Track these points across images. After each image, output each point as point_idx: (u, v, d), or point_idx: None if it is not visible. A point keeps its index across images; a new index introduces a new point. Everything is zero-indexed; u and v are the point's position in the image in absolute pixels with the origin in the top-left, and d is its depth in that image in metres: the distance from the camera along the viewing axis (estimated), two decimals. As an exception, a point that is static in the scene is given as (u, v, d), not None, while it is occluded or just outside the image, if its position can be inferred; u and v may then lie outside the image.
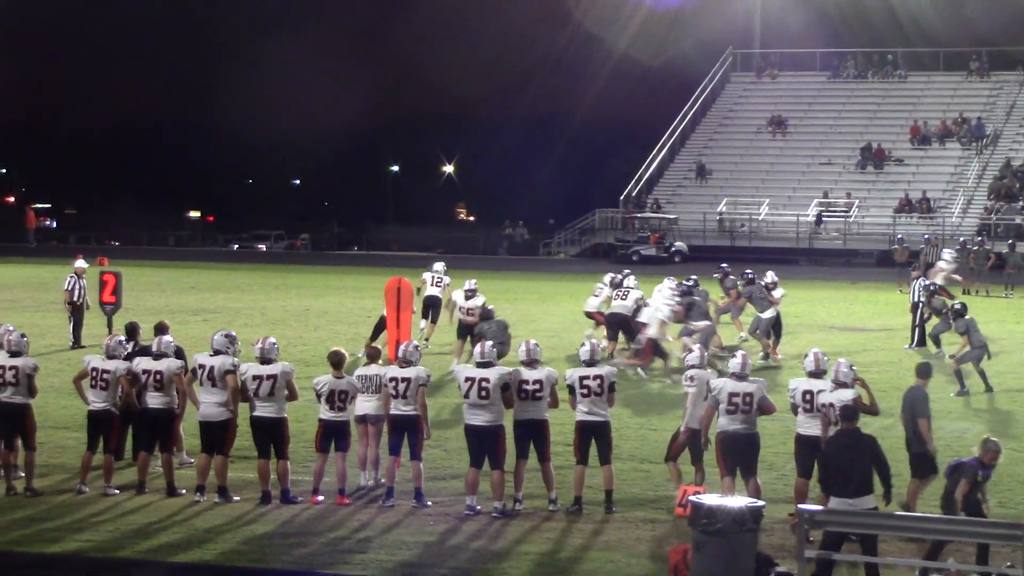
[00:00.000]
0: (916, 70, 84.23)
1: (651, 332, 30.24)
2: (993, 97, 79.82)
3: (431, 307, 34.41)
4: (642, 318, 30.75)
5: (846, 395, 17.80)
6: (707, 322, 32.05)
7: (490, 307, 30.26)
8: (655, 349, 30.20)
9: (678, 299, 31.78)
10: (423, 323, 34.00)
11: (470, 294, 31.65)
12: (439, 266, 35.25)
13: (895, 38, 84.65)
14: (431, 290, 34.36)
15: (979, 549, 15.82)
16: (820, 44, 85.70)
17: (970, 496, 16.20)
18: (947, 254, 42.04)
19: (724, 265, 37.89)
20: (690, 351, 20.30)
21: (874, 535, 15.63)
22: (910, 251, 57.03)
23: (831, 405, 17.76)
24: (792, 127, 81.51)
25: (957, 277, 40.94)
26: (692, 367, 19.25)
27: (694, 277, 34.62)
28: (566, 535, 17.76)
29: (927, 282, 35.62)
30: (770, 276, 34.42)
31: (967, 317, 28.86)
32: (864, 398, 18.07)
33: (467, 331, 30.67)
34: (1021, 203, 70.26)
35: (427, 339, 33.53)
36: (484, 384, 18.60)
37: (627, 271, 35.70)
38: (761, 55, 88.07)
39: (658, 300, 31.55)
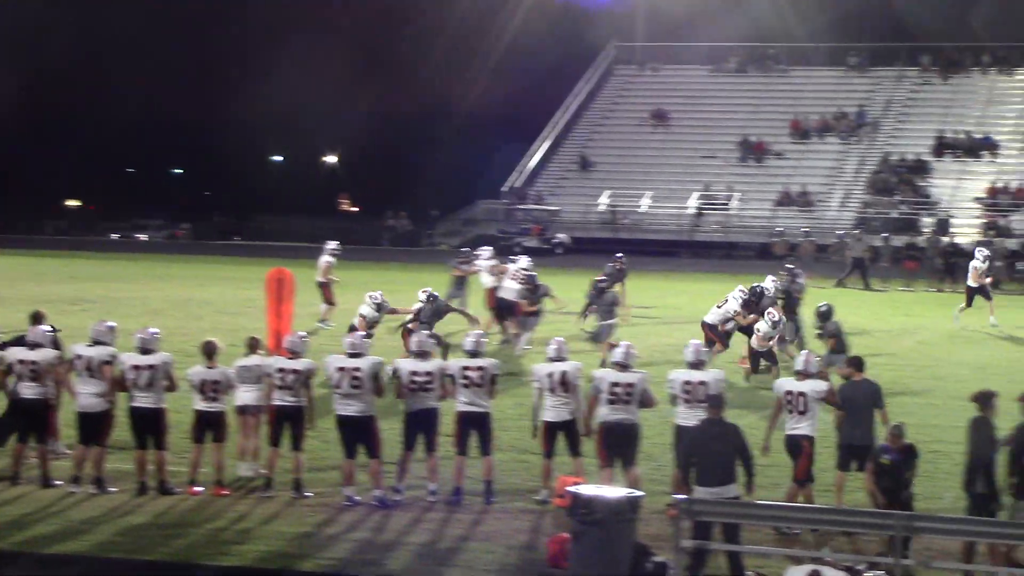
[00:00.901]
0: (797, 65, 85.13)
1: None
2: (872, 92, 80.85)
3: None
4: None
5: (820, 386, 18.18)
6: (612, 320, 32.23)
7: (435, 293, 30.30)
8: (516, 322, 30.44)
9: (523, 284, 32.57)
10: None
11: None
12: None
13: (776, 33, 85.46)
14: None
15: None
16: (702, 38, 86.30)
17: (882, 481, 16.49)
18: (979, 252, 40.59)
19: (620, 255, 38.21)
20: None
21: (736, 524, 15.81)
22: (789, 244, 57.78)
23: (801, 394, 18.03)
24: (674, 120, 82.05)
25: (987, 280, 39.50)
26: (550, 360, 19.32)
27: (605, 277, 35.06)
28: (446, 525, 17.79)
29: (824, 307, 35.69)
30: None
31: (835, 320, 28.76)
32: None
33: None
34: (898, 197, 71.25)
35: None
36: (356, 374, 18.60)
37: (520, 252, 36.05)
38: (644, 48, 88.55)
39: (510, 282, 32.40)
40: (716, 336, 29.20)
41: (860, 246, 53.35)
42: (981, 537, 15.66)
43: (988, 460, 16.15)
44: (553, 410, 18.97)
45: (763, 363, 28.17)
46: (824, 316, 28.14)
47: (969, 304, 38.82)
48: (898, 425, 16.91)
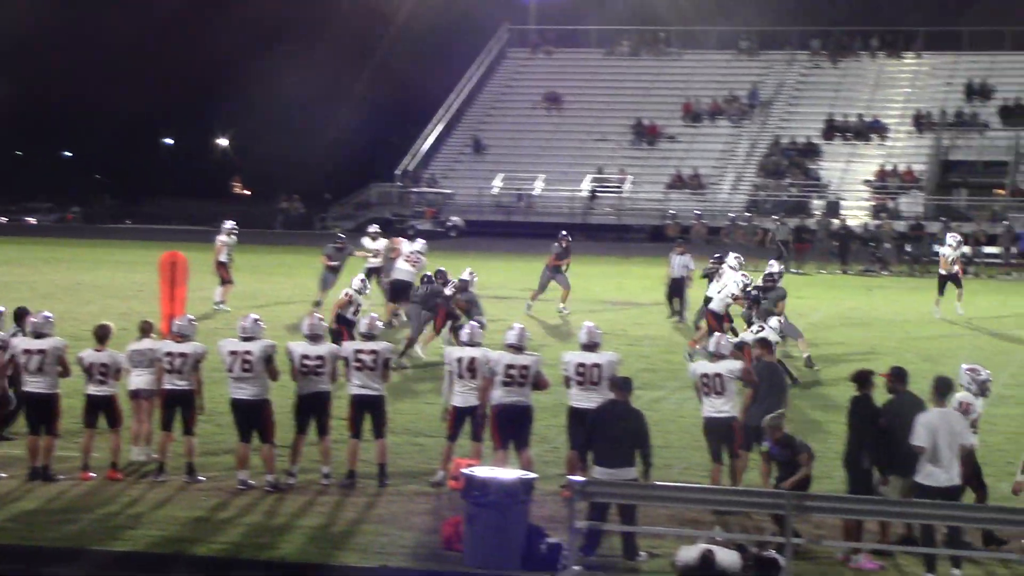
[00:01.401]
0: (689, 48, 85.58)
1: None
2: (762, 75, 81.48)
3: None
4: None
5: (735, 366, 18.33)
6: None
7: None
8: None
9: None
10: None
11: None
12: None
13: (669, 16, 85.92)
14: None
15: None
16: (595, 21, 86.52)
17: (772, 470, 16.78)
18: (951, 238, 39.70)
19: (565, 233, 38.38)
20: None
21: (632, 505, 15.93)
22: (681, 226, 58.13)
23: (718, 375, 18.15)
24: (567, 103, 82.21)
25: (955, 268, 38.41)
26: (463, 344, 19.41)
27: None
28: (339, 509, 17.76)
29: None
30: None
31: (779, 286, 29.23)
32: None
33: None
34: (788, 180, 71.91)
35: None
36: (247, 357, 18.53)
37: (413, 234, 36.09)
38: (537, 31, 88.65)
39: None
40: (719, 325, 28.61)
41: (784, 230, 54.05)
42: (869, 516, 15.89)
43: (870, 438, 16.37)
44: (461, 395, 19.00)
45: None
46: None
47: (940, 292, 38.27)
48: (776, 416, 17.09)
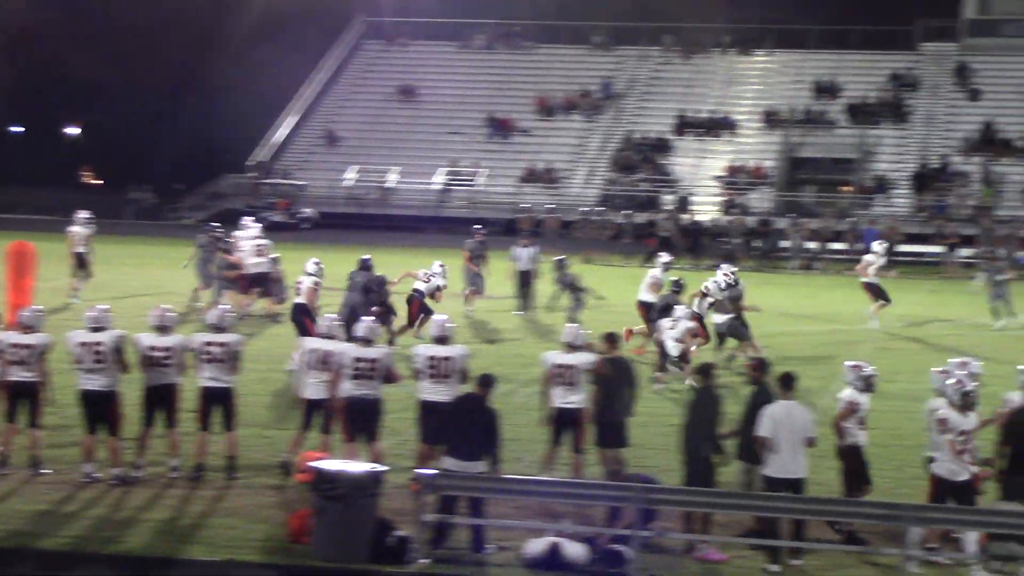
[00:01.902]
0: (543, 43, 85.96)
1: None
2: (615, 71, 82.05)
3: None
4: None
5: (588, 358, 18.43)
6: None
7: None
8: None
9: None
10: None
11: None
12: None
13: (523, 10, 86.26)
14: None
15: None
16: (450, 14, 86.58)
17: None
18: (877, 246, 38.89)
19: (480, 227, 38.16)
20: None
21: (481, 498, 16.02)
22: (534, 219, 58.40)
23: (571, 366, 18.30)
24: (422, 96, 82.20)
25: (870, 275, 37.12)
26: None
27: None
28: (188, 502, 17.65)
29: (560, 258, 36.22)
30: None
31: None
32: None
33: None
34: (640, 175, 72.52)
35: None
36: (98, 348, 18.33)
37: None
38: (392, 23, 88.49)
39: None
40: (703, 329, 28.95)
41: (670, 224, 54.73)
42: (715, 508, 16.12)
43: (709, 429, 16.65)
44: (313, 387, 18.97)
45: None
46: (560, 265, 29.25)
47: (876, 298, 37.31)
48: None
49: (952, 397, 16.20)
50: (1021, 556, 14.76)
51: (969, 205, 65.60)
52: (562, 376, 18.43)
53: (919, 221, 64.39)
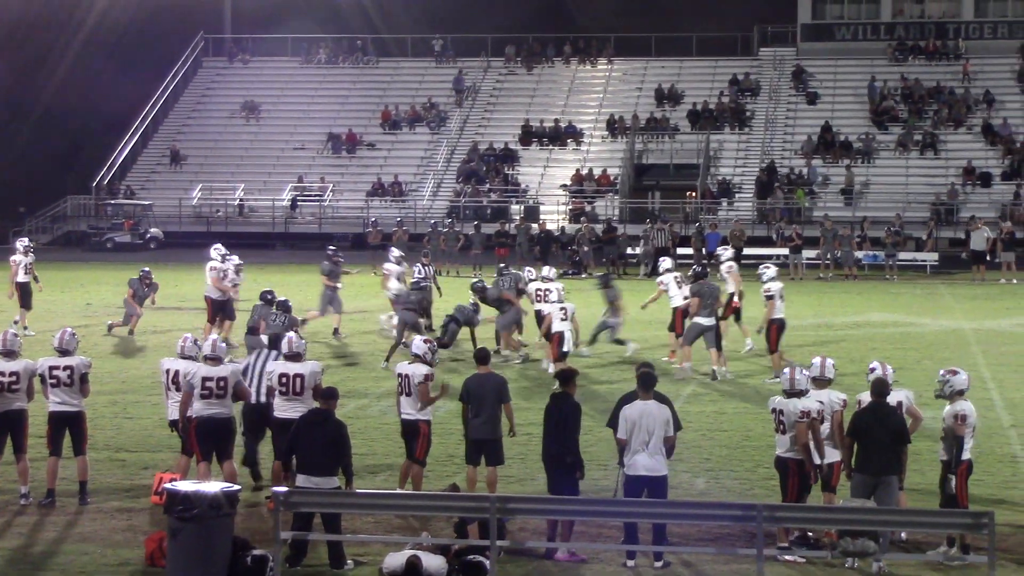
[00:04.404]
0: (385, 56, 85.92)
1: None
2: (459, 82, 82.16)
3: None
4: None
5: (422, 370, 18.41)
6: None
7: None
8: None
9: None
10: None
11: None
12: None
13: (364, 25, 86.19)
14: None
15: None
16: (291, 30, 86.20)
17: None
18: (393, 253, 37.31)
19: (333, 248, 37.30)
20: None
21: (337, 514, 15.94)
22: (383, 234, 58.25)
23: (407, 376, 18.37)
24: (265, 112, 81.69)
25: (392, 286, 35.38)
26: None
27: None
28: (39, 529, 17.38)
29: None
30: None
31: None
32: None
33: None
34: (488, 185, 72.73)
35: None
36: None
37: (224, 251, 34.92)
38: (233, 40, 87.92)
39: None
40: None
41: (662, 236, 54.74)
42: (569, 515, 16.20)
43: (571, 435, 16.77)
44: (172, 407, 18.88)
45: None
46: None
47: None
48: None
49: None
50: (872, 552, 15.00)
51: (790, 208, 66.84)
52: (401, 386, 18.47)
53: (763, 224, 65.31)
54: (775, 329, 28.83)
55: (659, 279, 31.78)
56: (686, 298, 29.75)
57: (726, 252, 36.53)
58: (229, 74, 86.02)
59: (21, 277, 35.20)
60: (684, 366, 29.00)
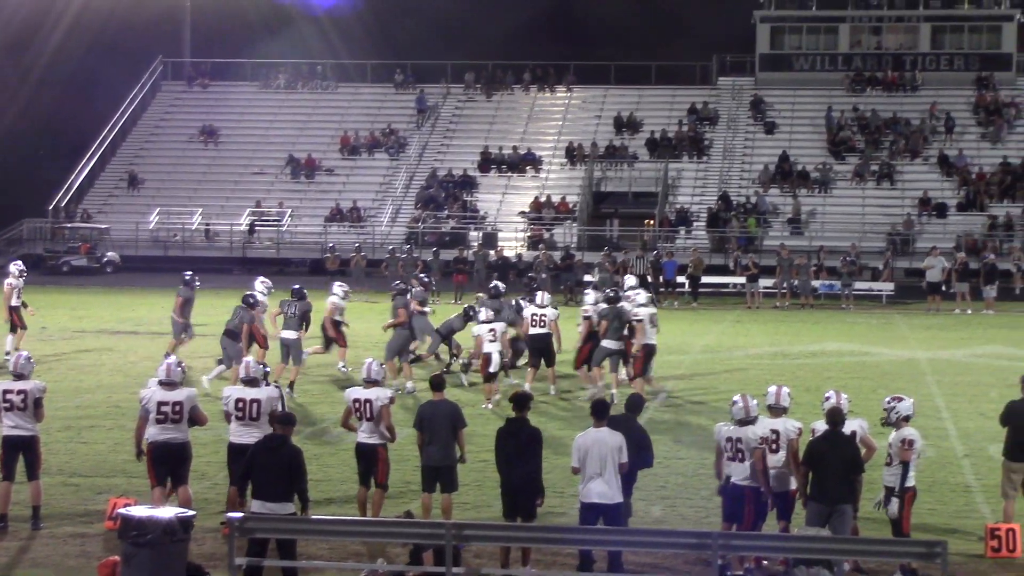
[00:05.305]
0: (345, 82, 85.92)
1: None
2: (415, 110, 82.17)
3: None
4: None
5: (385, 393, 18.49)
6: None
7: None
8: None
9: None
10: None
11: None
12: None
13: (323, 50, 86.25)
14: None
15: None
16: (250, 55, 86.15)
17: None
18: (338, 287, 34.71)
19: (190, 273, 36.28)
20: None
21: (292, 540, 15.87)
22: (340, 259, 58.20)
23: (368, 401, 18.38)
24: (224, 136, 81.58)
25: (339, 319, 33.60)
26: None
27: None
28: (-9, 555, 17.29)
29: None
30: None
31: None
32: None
33: None
34: (446, 212, 72.76)
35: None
36: None
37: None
38: (192, 64, 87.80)
39: None
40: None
41: (642, 263, 54.86)
42: (525, 542, 16.21)
43: (531, 460, 16.83)
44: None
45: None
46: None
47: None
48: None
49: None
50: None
51: (743, 236, 67.22)
52: (360, 411, 18.45)
53: (720, 253, 65.51)
54: (643, 354, 29.18)
55: (583, 308, 31.82)
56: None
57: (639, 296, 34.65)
58: (188, 98, 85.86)
59: (14, 301, 34.73)
60: (592, 388, 29.23)
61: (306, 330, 30.65)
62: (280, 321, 30.75)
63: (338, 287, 33.65)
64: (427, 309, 33.88)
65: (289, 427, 16.51)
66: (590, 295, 32.39)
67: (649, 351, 29.36)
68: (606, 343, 29.24)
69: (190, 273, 34.29)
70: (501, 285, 34.89)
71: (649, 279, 54.08)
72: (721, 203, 70.25)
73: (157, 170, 79.20)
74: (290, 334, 30.15)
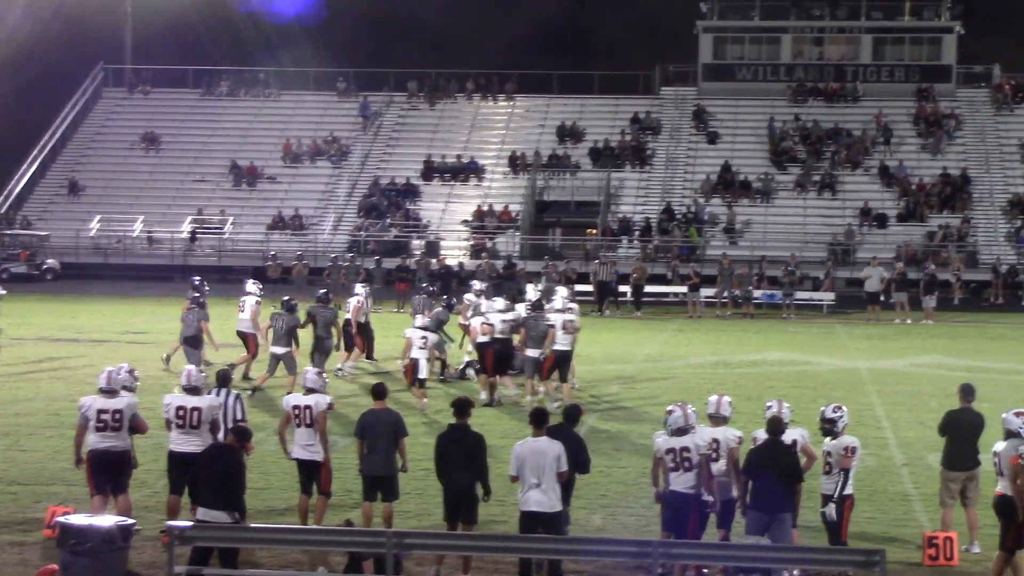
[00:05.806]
0: (287, 89, 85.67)
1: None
2: (358, 117, 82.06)
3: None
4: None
5: (324, 400, 18.58)
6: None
7: None
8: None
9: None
10: None
11: None
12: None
13: (266, 58, 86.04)
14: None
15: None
16: (192, 62, 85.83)
17: None
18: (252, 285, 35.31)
19: (197, 278, 36.25)
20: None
21: (235, 549, 15.84)
22: (282, 267, 58.04)
23: (307, 408, 18.41)
24: (165, 144, 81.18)
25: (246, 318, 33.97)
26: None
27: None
28: (-72, 564, 17.15)
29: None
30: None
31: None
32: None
33: None
34: (389, 220, 72.66)
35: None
36: None
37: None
38: (133, 71, 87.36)
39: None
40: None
41: (605, 270, 54.76)
42: (465, 550, 16.26)
43: (473, 463, 16.92)
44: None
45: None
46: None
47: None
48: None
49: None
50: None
51: (685, 246, 67.58)
52: (299, 417, 18.44)
53: (663, 262, 65.65)
54: (552, 358, 29.32)
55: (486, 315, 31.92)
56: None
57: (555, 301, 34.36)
58: (129, 105, 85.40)
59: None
60: (528, 398, 29.30)
61: (296, 347, 30.59)
62: (271, 335, 30.74)
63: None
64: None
65: (244, 442, 16.48)
66: (497, 302, 32.65)
67: (560, 357, 29.42)
68: (528, 352, 29.43)
69: (199, 279, 35.29)
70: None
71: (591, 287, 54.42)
72: (662, 213, 70.49)
73: (98, 177, 78.78)
74: (279, 349, 30.33)
